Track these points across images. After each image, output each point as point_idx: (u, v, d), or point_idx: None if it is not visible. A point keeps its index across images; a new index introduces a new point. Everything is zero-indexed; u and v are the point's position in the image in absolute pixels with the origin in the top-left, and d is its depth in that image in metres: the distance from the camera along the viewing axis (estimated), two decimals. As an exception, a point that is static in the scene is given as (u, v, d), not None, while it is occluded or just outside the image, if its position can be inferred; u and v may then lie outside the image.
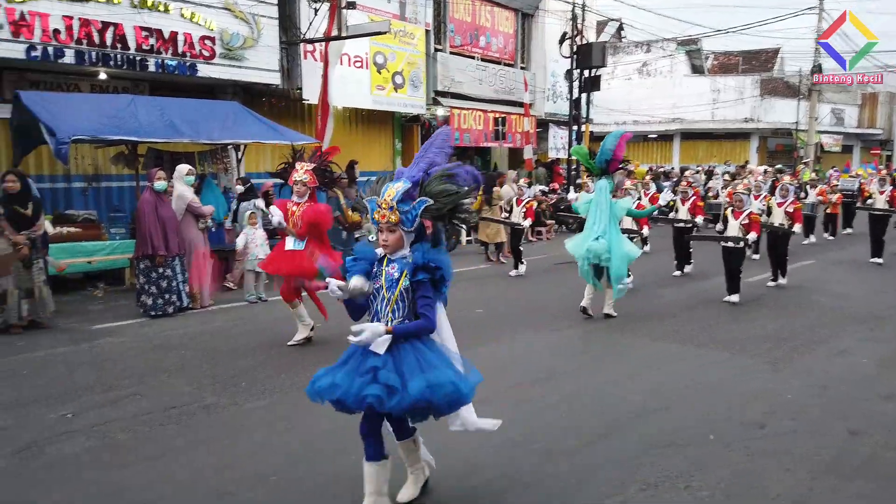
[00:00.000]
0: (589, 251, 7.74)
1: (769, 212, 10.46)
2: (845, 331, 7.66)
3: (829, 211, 16.22)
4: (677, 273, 11.26)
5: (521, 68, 20.68)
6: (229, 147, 11.52)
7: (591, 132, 21.52)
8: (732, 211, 9.15)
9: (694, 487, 3.92)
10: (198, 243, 8.79)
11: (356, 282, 3.30)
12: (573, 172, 19.72)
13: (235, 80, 12.11)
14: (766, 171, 19.53)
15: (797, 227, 10.24)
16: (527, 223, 11.28)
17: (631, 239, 8.83)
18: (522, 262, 11.34)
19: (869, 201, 13.54)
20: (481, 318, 8.31)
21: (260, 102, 13.08)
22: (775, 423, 4.90)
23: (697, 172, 21.56)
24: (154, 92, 11.58)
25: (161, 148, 10.81)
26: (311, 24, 12.62)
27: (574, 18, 19.64)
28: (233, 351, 6.79)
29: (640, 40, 34.04)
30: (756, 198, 10.79)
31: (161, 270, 8.15)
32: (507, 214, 11.64)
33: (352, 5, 12.43)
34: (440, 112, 17.10)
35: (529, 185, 13.41)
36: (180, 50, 11.05)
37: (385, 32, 13.18)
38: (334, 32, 12.27)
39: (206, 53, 11.40)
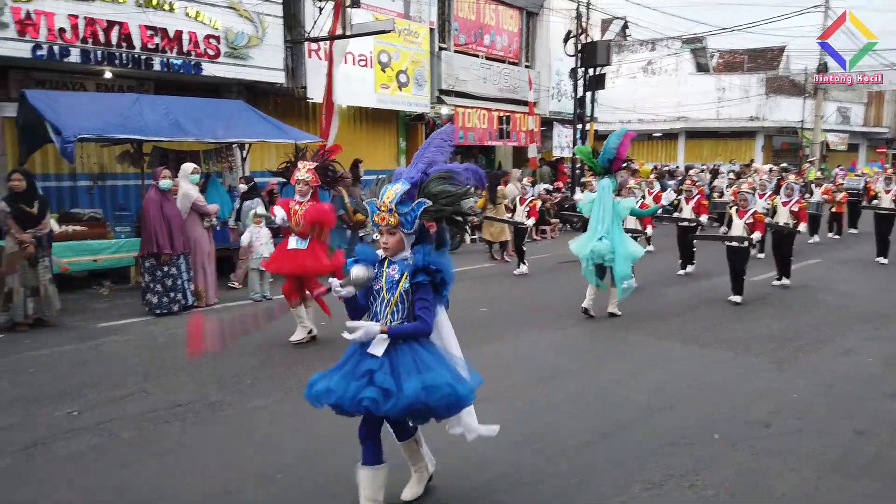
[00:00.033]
0: (593, 252, 7.74)
1: (774, 211, 10.41)
2: (851, 330, 7.64)
3: (834, 210, 16.14)
4: (681, 272, 11.24)
5: (526, 67, 20.65)
6: (234, 146, 11.54)
7: (596, 131, 21.50)
8: (737, 210, 9.11)
9: (698, 486, 3.92)
10: (203, 242, 8.81)
11: (357, 271, 3.28)
12: (577, 171, 19.69)
13: (240, 78, 12.13)
14: (770, 170, 19.47)
15: (803, 227, 10.18)
16: (530, 222, 11.27)
17: (635, 238, 8.81)
18: (524, 262, 11.33)
19: (875, 201, 13.49)
20: (485, 316, 8.31)
21: (264, 101, 13.09)
22: (780, 423, 4.89)
23: (702, 171, 21.50)
24: (159, 91, 11.60)
25: (166, 147, 10.84)
26: (315, 22, 12.63)
27: (579, 17, 19.61)
28: (237, 349, 6.79)
29: (644, 39, 33.96)
30: (761, 197, 10.77)
31: (166, 269, 8.18)
32: (511, 213, 11.63)
33: (356, 4, 12.44)
34: (444, 111, 17.09)
35: (533, 183, 13.40)
36: (185, 49, 11.07)
37: (389, 31, 13.18)
38: (339, 31, 12.28)
39: (210, 52, 11.42)
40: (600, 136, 17.35)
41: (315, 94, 13.22)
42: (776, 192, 11.88)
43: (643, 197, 12.29)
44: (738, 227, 8.98)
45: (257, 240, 9.10)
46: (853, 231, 17.06)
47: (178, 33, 10.96)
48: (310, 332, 6.94)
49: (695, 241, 11.03)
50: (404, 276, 3.27)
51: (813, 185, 16.06)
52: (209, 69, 11.44)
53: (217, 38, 11.50)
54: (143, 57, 10.58)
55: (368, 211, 3.34)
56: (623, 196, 8.92)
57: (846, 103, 34.80)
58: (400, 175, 3.36)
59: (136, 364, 6.28)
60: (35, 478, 4.10)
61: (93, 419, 4.95)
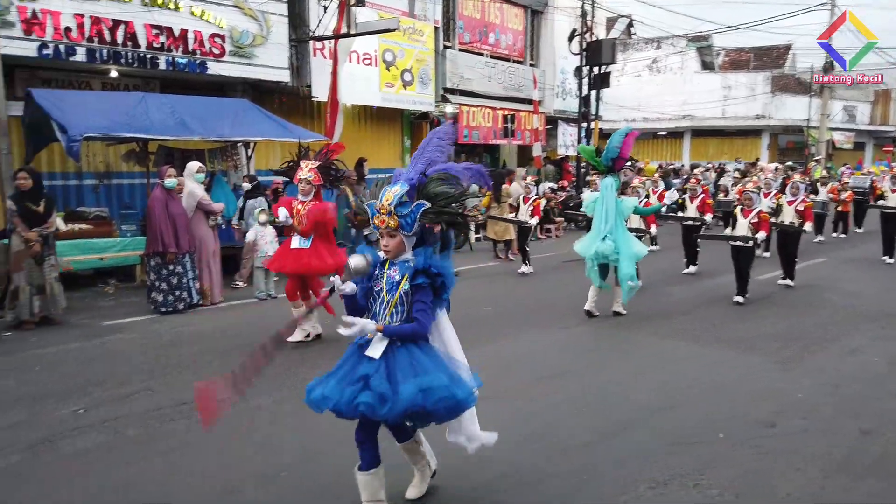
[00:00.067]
0: (597, 253, 7.73)
1: (779, 210, 10.35)
2: (857, 329, 7.61)
3: (840, 209, 16.08)
4: (686, 271, 11.20)
5: (531, 65, 20.63)
6: (239, 145, 11.56)
7: (601, 129, 21.45)
8: (742, 209, 9.07)
9: (703, 486, 3.91)
10: (208, 240, 8.83)
11: (356, 260, 3.27)
12: (582, 170, 19.65)
13: (245, 77, 12.14)
14: (776, 169, 19.39)
15: (808, 226, 10.14)
16: (534, 221, 11.22)
17: (639, 238, 8.79)
18: (528, 263, 11.30)
19: (881, 200, 13.42)
20: (489, 315, 8.31)
21: (269, 100, 13.10)
22: (785, 422, 4.88)
23: (708, 170, 21.43)
24: (165, 89, 11.63)
25: (171, 145, 10.86)
26: (320, 21, 12.64)
27: (584, 15, 19.56)
28: (242, 347, 6.79)
29: (650, 37, 33.84)
30: (766, 196, 10.71)
31: (171, 267, 8.20)
32: (515, 212, 11.61)
33: (361, 2, 12.44)
34: (449, 109, 17.08)
35: (537, 183, 13.37)
36: (190, 48, 11.09)
37: (394, 30, 13.17)
38: (343, 30, 12.28)
39: (216, 51, 11.44)
40: (605, 135, 17.30)
41: (320, 92, 13.22)
42: (781, 190, 11.83)
43: (647, 196, 12.24)
44: (742, 227, 8.94)
45: (262, 238, 9.12)
46: (859, 230, 16.99)
47: (184, 32, 10.99)
48: (307, 335, 6.91)
49: (699, 240, 10.97)
50: (405, 278, 3.25)
51: (818, 184, 15.99)
52: (214, 68, 11.45)
53: (222, 37, 11.52)
54: (148, 56, 10.60)
55: (369, 213, 3.33)
56: (627, 195, 8.90)
57: (852, 102, 34.63)
58: (399, 177, 3.33)
59: (142, 362, 6.30)
60: (41, 475, 4.12)
61: (98, 417, 4.97)
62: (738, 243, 8.94)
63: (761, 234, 8.91)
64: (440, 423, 3.40)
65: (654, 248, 13.28)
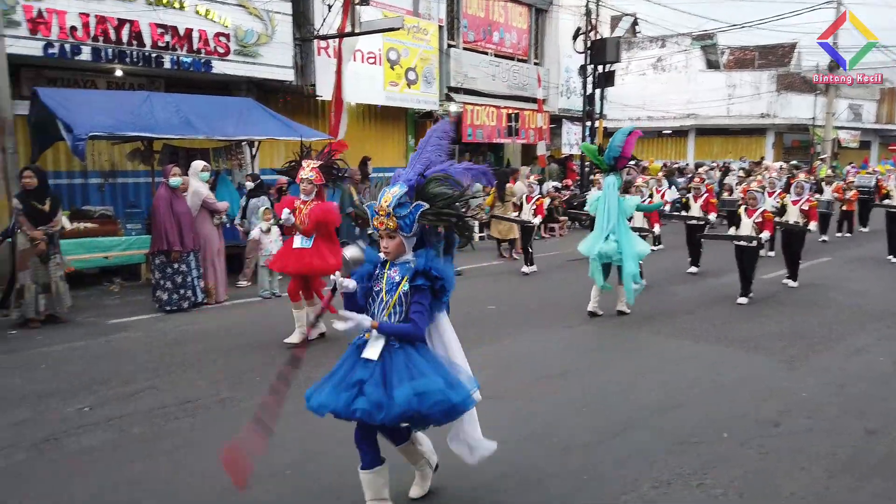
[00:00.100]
0: (600, 254, 7.73)
1: (783, 210, 10.31)
2: (862, 328, 7.59)
3: (844, 208, 16.00)
4: (689, 270, 11.16)
5: (535, 64, 20.61)
6: (243, 143, 11.58)
7: (605, 128, 21.41)
8: (746, 209, 9.04)
9: (707, 486, 3.91)
10: (213, 239, 8.85)
11: (350, 251, 3.27)
12: (587, 169, 19.63)
13: (250, 76, 12.16)
14: (781, 168, 19.34)
15: (813, 225, 10.09)
16: (536, 220, 11.18)
17: (643, 238, 8.78)
18: (532, 264, 11.27)
19: (886, 200, 13.37)
20: (493, 314, 8.31)
21: (274, 99, 13.13)
22: (790, 422, 4.87)
23: (712, 169, 21.37)
24: (169, 88, 11.67)
25: (176, 144, 10.90)
26: (324, 20, 12.65)
27: (588, 13, 19.53)
28: (247, 346, 6.84)
29: (654, 35, 33.77)
30: (770, 195, 10.68)
31: (176, 266, 8.22)
32: (518, 211, 11.59)
33: (365, 1, 12.45)
34: (453, 108, 17.08)
35: (540, 182, 13.36)
36: (195, 47, 11.12)
37: (398, 28, 13.18)
38: (348, 28, 12.29)
39: (220, 50, 11.46)
40: (609, 134, 17.28)
41: (324, 91, 13.24)
42: (786, 190, 11.79)
43: (651, 195, 12.22)
44: (746, 227, 8.91)
45: (266, 237, 9.13)
46: (864, 229, 16.93)
47: (189, 31, 11.01)
48: (306, 338, 6.88)
49: (702, 240, 10.93)
50: (404, 279, 3.25)
51: (823, 184, 15.92)
52: (219, 67, 11.48)
53: (227, 36, 11.54)
54: (153, 55, 10.63)
55: (369, 214, 3.32)
56: (631, 195, 8.89)
57: (858, 100, 34.49)
58: (398, 178, 3.32)
59: (147, 360, 6.32)
60: (46, 473, 4.13)
61: (103, 415, 4.99)
62: (742, 243, 8.92)
63: (765, 234, 8.88)
64: (439, 426, 3.39)
65: (657, 247, 13.26)
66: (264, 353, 6.57)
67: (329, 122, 12.94)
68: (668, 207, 12.84)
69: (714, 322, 7.87)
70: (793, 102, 31.74)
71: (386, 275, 3.31)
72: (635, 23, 33.30)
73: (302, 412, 4.95)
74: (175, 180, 8.24)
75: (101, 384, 5.66)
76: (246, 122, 10.28)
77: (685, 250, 11.45)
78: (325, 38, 12.92)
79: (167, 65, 10.82)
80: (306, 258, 6.64)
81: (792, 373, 6.04)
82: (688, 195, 11.81)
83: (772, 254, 12.39)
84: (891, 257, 12.32)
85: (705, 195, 11.26)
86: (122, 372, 5.98)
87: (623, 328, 7.67)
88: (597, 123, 20.24)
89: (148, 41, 10.54)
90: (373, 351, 3.21)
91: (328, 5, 12.46)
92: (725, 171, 20.77)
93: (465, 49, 17.77)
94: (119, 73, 11.09)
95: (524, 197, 11.41)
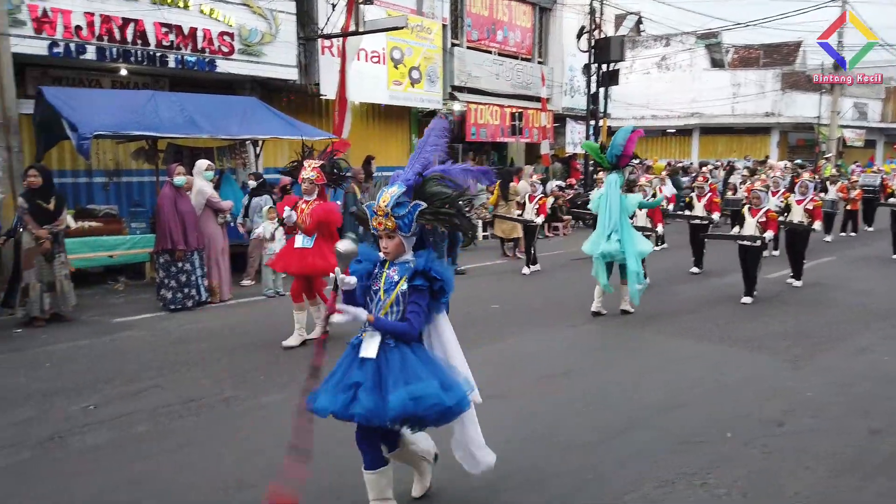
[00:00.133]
0: (603, 254, 7.73)
1: (788, 209, 10.27)
2: (867, 328, 7.57)
3: (849, 207, 15.94)
4: (693, 270, 11.11)
5: (539, 63, 20.57)
6: (247, 142, 11.60)
7: (609, 127, 21.38)
8: (749, 208, 9.00)
9: (711, 485, 3.90)
10: (217, 238, 8.87)
11: (342, 245, 3.26)
12: (591, 168, 19.61)
13: (254, 75, 12.18)
14: (785, 167, 19.29)
15: (817, 225, 10.06)
16: (539, 220, 11.15)
17: (647, 237, 8.76)
18: (535, 263, 11.23)
19: (892, 199, 13.33)
20: (497, 313, 8.31)
21: (278, 98, 13.14)
22: (794, 421, 4.86)
23: (716, 168, 21.32)
24: (174, 88, 11.69)
25: (181, 143, 10.92)
26: (328, 19, 12.66)
27: (592, 12, 19.50)
28: (251, 345, 6.85)
29: (659, 34, 33.72)
30: (774, 194, 10.64)
31: (180, 265, 8.24)
32: (521, 210, 11.57)
33: (369, 0, 12.44)
34: (457, 107, 17.08)
35: (542, 181, 13.34)
36: (199, 46, 11.14)
37: (402, 27, 13.17)
38: (352, 28, 12.30)
39: (224, 49, 11.48)
40: (613, 133, 17.26)
41: (328, 90, 13.24)
42: (790, 189, 11.76)
43: (654, 195, 12.18)
44: (750, 226, 8.87)
45: (270, 232, 9.13)
46: (869, 228, 16.87)
47: (193, 30, 11.03)
48: (304, 342, 6.87)
49: (706, 239, 10.87)
50: (403, 279, 3.24)
51: (828, 183, 15.86)
52: (223, 66, 11.50)
53: (231, 35, 11.56)
54: (157, 54, 10.66)
55: (368, 215, 3.32)
56: (634, 194, 8.87)
57: (863, 99, 34.37)
58: (397, 178, 3.32)
59: (151, 359, 6.34)
60: (51, 472, 4.15)
61: (108, 413, 5.00)
62: (746, 243, 8.88)
63: (769, 234, 8.84)
64: (436, 427, 3.37)
65: (661, 246, 13.24)
66: (268, 351, 6.58)
67: (333, 121, 12.95)
68: (671, 206, 12.81)
69: (717, 321, 7.86)
70: (797, 101, 31.65)
71: (385, 274, 3.31)
72: (639, 21, 33.21)
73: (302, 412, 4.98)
74: (179, 179, 8.26)
75: (105, 383, 5.67)
76: (250, 122, 10.30)
77: (689, 249, 11.43)
78: (328, 37, 12.93)
79: (171, 64, 10.84)
80: (308, 258, 6.64)
81: (796, 372, 6.03)
82: (691, 194, 11.78)
83: (776, 253, 12.36)
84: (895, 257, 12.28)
85: (709, 194, 11.23)
86: (127, 370, 5.99)
87: (626, 327, 7.67)
88: (601, 122, 20.20)
89: (152, 40, 10.57)
90: (369, 349, 3.21)
91: (332, 4, 12.47)
92: (730, 170, 20.73)
93: (468, 48, 17.76)
94: (124, 72, 11.12)
95: (527, 196, 11.39)
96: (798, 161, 23.34)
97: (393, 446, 3.53)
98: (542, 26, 20.77)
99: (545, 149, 19.53)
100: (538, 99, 19.30)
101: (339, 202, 10.13)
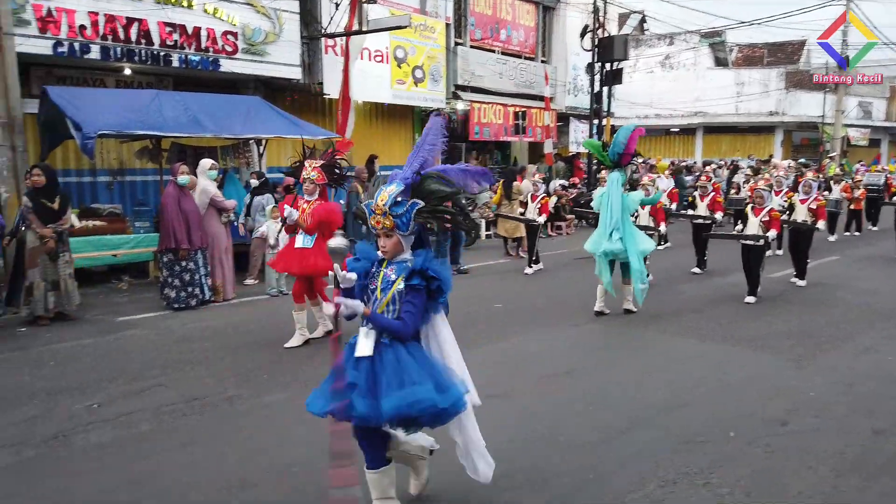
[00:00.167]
0: (605, 252, 7.72)
1: (791, 209, 10.24)
2: (871, 327, 7.55)
3: (852, 207, 15.88)
4: (694, 271, 11.06)
5: (542, 62, 20.56)
6: (251, 142, 11.61)
7: (613, 126, 21.36)
8: (753, 207, 8.99)
9: (713, 485, 3.90)
10: (220, 237, 8.88)
11: (334, 242, 3.26)
12: (594, 167, 19.59)
13: (257, 74, 12.20)
14: (789, 166, 19.24)
15: (821, 224, 10.03)
16: (541, 219, 11.13)
17: (650, 236, 8.75)
18: (538, 263, 11.21)
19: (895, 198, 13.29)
20: (500, 312, 8.31)
21: (281, 97, 13.16)
22: (798, 421, 4.85)
23: (720, 167, 21.28)
24: (178, 87, 11.71)
25: (184, 142, 10.94)
26: (332, 18, 12.66)
27: (596, 11, 19.48)
28: (254, 344, 6.87)
29: (662, 33, 33.68)
30: (777, 194, 10.61)
31: (184, 264, 8.26)
32: (524, 210, 11.55)
33: (372, -1, 12.46)
34: (460, 106, 17.07)
35: (544, 180, 13.33)
36: (203, 45, 11.16)
37: (406, 27, 13.17)
38: (355, 27, 12.30)
39: (228, 48, 11.50)
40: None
41: (331, 89, 13.25)
42: (794, 188, 11.73)
43: (660, 198, 12.14)
44: (753, 225, 8.85)
45: (273, 234, 9.15)
46: (873, 228, 16.81)
47: (197, 30, 11.05)
48: (307, 341, 6.89)
49: (709, 239, 10.84)
50: (400, 278, 3.23)
51: (832, 182, 15.82)
52: (227, 65, 11.52)
53: (235, 35, 11.58)
54: (161, 53, 10.68)
55: (366, 214, 3.31)
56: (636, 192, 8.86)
57: (868, 98, 34.28)
58: (395, 177, 3.31)
59: (155, 358, 6.36)
60: (56, 469, 4.17)
61: (112, 412, 5.02)
62: (749, 242, 8.87)
63: (772, 233, 8.82)
64: (432, 428, 3.37)
65: (664, 245, 13.22)
66: (272, 350, 6.59)
67: (336, 120, 12.95)
68: (674, 205, 12.77)
69: (721, 321, 7.85)
70: (802, 100, 31.58)
71: (382, 273, 3.30)
72: (643, 20, 33.22)
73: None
74: (183, 178, 8.28)
75: (109, 381, 5.69)
76: (253, 121, 10.31)
77: (692, 249, 11.41)
78: (332, 36, 12.93)
79: (175, 63, 10.86)
80: (310, 258, 6.64)
81: (800, 372, 6.02)
82: (694, 193, 11.75)
83: (780, 252, 12.33)
84: (900, 256, 12.24)
85: (712, 194, 11.20)
86: (130, 369, 6.01)
87: (629, 327, 7.66)
88: (604, 121, 20.18)
89: (156, 40, 10.59)
90: (364, 347, 3.20)
91: (335, 3, 12.47)
92: (734, 169, 20.69)
93: (472, 47, 17.75)
94: (128, 71, 11.15)
95: (529, 195, 11.37)
96: (802, 160, 23.27)
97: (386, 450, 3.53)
98: (545, 25, 20.75)
99: (548, 148, 19.51)
100: (541, 98, 19.28)
101: (342, 202, 10.16)
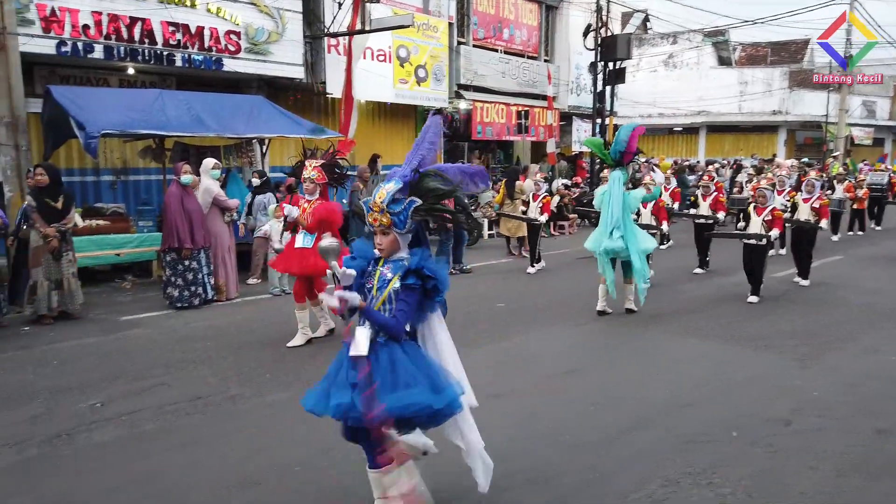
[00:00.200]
0: (606, 250, 7.71)
1: (794, 208, 10.21)
2: (874, 327, 7.53)
3: (855, 206, 15.83)
4: (696, 271, 11.04)
5: (545, 61, 20.55)
6: (254, 141, 11.63)
7: (616, 125, 21.34)
8: (755, 207, 8.97)
9: (716, 484, 3.90)
10: (223, 236, 8.90)
11: (326, 241, 3.28)
12: (597, 166, 19.57)
13: (260, 74, 12.21)
14: (792, 165, 19.20)
15: (824, 223, 10.00)
16: (543, 218, 11.11)
17: (652, 234, 8.73)
18: (540, 262, 11.20)
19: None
20: (502, 312, 8.30)
21: (284, 96, 13.17)
22: (801, 421, 4.84)
23: (723, 166, 21.24)
24: (181, 86, 11.74)
25: (187, 142, 10.96)
26: (334, 18, 12.68)
27: (599, 10, 19.44)
28: (257, 343, 6.88)
29: (665, 32, 33.62)
30: (780, 193, 10.58)
31: (187, 263, 8.28)
32: (527, 209, 11.53)
33: (375, -1, 12.47)
34: (463, 105, 17.07)
35: (546, 179, 13.31)
36: (206, 45, 11.18)
37: (408, 26, 13.18)
38: (358, 26, 12.31)
39: (231, 48, 11.51)
40: (620, 131, 17.16)
41: (334, 89, 13.26)
42: (797, 188, 11.69)
43: (659, 194, 12.12)
44: (755, 225, 8.83)
45: (276, 234, 9.15)
46: (877, 227, 16.76)
47: (200, 29, 11.07)
48: (309, 340, 6.89)
49: (711, 238, 10.81)
50: (396, 277, 3.22)
51: (835, 182, 15.77)
52: (230, 65, 11.54)
53: (238, 34, 11.59)
54: (165, 53, 10.70)
55: (364, 211, 3.31)
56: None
57: (872, 97, 34.19)
58: (394, 174, 3.30)
59: (158, 357, 6.37)
60: (59, 468, 4.18)
61: (115, 411, 5.03)
62: (752, 241, 8.85)
63: (774, 232, 8.79)
64: (425, 429, 3.36)
65: (667, 244, 13.20)
66: (274, 350, 6.60)
67: (339, 119, 12.97)
68: (676, 205, 12.75)
69: (723, 321, 7.84)
70: (805, 99, 31.51)
71: (378, 271, 3.28)
72: (646, 19, 33.13)
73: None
74: (186, 178, 8.29)
75: (112, 380, 5.71)
76: (256, 120, 10.32)
77: (695, 248, 11.38)
78: (335, 35, 12.95)
79: (178, 63, 10.88)
80: (310, 258, 6.64)
81: (803, 372, 6.00)
82: (696, 192, 11.72)
83: (783, 252, 12.31)
84: (904, 256, 12.19)
85: (714, 194, 11.17)
86: (133, 368, 6.03)
87: (631, 326, 7.65)
88: (607, 121, 20.16)
89: (160, 39, 10.61)
90: (360, 345, 3.18)
91: (338, 3, 12.49)
92: (737, 168, 20.65)
93: (474, 46, 17.75)
94: (131, 71, 11.17)
95: (531, 195, 11.36)
96: (805, 159, 23.22)
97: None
98: (548, 24, 20.74)
99: (551, 147, 19.51)
100: (544, 97, 19.28)
101: (344, 201, 10.16)
